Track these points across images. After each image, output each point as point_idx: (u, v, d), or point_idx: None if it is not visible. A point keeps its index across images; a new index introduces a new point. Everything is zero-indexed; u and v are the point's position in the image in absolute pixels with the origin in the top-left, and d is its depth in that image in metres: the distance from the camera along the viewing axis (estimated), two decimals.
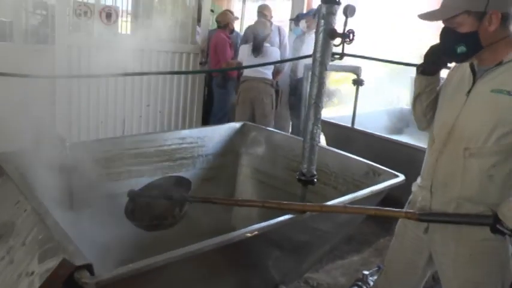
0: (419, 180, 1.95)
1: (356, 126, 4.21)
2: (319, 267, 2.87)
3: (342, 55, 2.25)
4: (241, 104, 5.16)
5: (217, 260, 1.90)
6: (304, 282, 2.76)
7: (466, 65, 1.78)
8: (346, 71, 4.39)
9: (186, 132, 3.22)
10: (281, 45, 5.40)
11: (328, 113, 6.74)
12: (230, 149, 3.38)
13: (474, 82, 1.72)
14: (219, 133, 3.39)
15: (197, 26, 5.22)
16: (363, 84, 4.19)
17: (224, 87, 5.48)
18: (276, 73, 5.17)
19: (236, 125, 3.51)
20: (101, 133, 4.52)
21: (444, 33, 1.70)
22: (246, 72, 5.09)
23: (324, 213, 2.12)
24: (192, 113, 5.34)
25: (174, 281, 1.78)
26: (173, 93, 5.09)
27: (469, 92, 1.73)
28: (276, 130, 3.59)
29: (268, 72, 5.08)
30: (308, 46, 4.24)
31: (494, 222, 1.60)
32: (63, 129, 4.07)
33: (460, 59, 1.73)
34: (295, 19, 5.45)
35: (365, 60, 2.87)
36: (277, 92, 5.21)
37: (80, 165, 2.27)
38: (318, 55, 2.17)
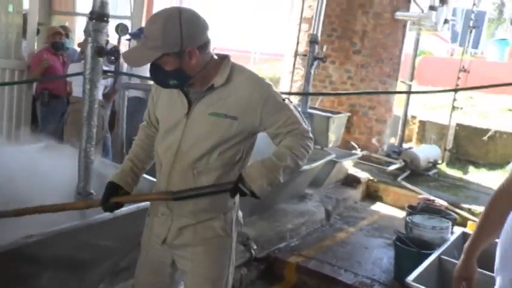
0: None
1: None
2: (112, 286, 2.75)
3: (115, 73, 2.25)
4: (70, 125, 4.92)
5: None
6: None
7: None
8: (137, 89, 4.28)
9: None
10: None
11: None
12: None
13: (189, 104, 1.79)
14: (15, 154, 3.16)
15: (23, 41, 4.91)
16: None
17: (48, 104, 5.19)
18: (109, 95, 5.05)
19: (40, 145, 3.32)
20: None
21: (153, 70, 1.73)
22: (76, 93, 4.88)
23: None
24: (18, 133, 4.94)
25: None
26: None
27: (187, 114, 1.78)
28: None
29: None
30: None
31: (236, 182, 1.70)
32: None
33: (176, 88, 1.78)
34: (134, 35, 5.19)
35: None
36: (114, 112, 5.06)
37: None
38: (87, 73, 2.14)
